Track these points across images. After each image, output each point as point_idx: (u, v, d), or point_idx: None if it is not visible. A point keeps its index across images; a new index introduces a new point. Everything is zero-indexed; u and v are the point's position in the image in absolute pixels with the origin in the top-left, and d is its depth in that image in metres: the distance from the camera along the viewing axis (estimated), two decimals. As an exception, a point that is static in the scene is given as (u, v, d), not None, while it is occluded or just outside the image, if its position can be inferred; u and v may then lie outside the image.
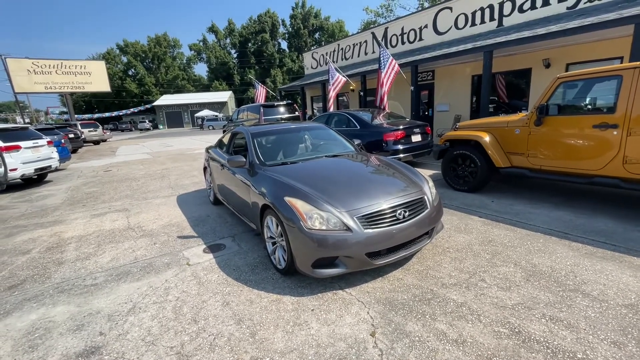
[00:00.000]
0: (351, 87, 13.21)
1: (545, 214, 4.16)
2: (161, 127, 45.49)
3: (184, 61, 60.22)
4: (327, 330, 2.27)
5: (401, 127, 7.14)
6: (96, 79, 27.09)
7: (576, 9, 7.37)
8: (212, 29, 57.79)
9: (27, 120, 36.60)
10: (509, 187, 5.53)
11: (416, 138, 7.30)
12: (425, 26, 11.06)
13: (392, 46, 12.46)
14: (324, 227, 2.60)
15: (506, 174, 4.87)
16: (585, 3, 7.22)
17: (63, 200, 6.69)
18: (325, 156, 3.97)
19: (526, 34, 7.07)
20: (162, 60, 55.35)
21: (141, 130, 42.55)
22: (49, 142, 8.76)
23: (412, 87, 9.99)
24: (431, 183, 3.36)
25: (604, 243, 3.29)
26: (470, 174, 5.26)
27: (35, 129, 9.78)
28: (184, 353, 2.13)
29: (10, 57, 23.89)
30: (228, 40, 58.43)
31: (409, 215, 2.82)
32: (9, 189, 7.97)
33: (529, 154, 4.55)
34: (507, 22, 8.73)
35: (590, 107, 4.06)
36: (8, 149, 7.46)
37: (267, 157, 3.86)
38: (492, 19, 9.07)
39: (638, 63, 3.54)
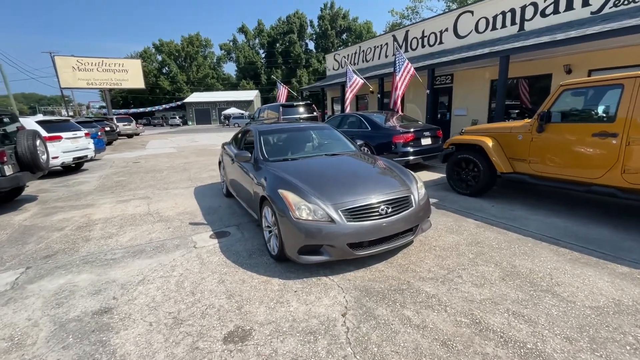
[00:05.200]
0: (370, 89, 13.34)
1: (541, 220, 4.19)
2: (190, 123, 47.44)
3: (214, 60, 62.37)
4: (304, 308, 2.54)
5: (411, 130, 7.26)
6: (132, 76, 28.90)
7: (600, 13, 7.15)
8: (242, 30, 59.43)
9: (70, 113, 39.73)
10: (513, 193, 5.52)
11: (426, 141, 7.38)
12: (446, 30, 11.02)
13: (412, 49, 12.48)
14: (310, 218, 2.87)
15: (507, 179, 4.90)
16: (610, 8, 6.99)
17: (95, 187, 7.38)
18: (325, 154, 4.23)
19: (544, 39, 6.96)
20: (194, 59, 57.64)
21: (171, 125, 44.62)
22: (86, 134, 9.64)
23: (427, 91, 10.01)
24: (420, 183, 3.53)
25: (592, 250, 3.33)
26: (473, 178, 5.32)
27: (76, 122, 10.73)
28: (179, 318, 2.48)
29: (58, 55, 26.04)
30: (257, 41, 59.86)
31: (392, 211, 3.03)
32: (50, 174, 8.83)
33: (531, 160, 4.57)
34: (528, 26, 8.57)
35: (590, 115, 4.05)
36: (51, 139, 8.29)
37: (271, 153, 4.18)
38: (513, 23, 8.93)
39: (639, 72, 3.52)
